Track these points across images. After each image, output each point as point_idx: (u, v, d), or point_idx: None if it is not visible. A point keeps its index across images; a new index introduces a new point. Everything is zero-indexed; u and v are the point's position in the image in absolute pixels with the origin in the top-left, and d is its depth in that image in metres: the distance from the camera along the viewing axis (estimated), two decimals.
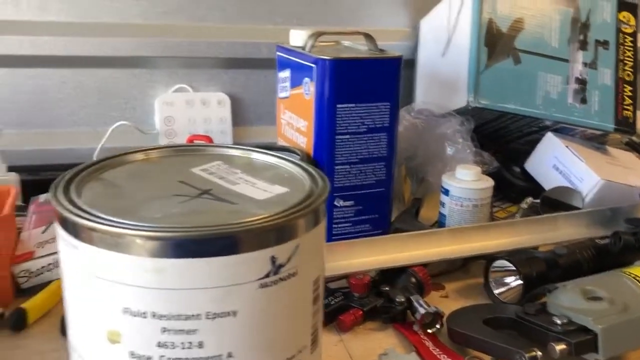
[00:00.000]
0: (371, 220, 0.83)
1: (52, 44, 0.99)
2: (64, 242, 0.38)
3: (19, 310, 0.64)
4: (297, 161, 0.49)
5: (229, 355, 0.38)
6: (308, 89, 0.80)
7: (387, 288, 0.69)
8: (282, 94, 0.90)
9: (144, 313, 0.36)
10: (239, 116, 1.12)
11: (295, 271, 0.39)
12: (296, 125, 0.85)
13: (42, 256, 0.70)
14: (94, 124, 1.05)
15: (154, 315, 0.36)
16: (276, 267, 0.38)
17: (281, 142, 0.90)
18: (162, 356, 0.37)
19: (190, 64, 1.07)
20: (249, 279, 0.37)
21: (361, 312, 0.67)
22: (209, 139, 0.98)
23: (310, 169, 0.46)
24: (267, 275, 0.38)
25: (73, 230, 0.37)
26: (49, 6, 0.98)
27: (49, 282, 0.70)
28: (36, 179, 0.97)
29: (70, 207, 0.38)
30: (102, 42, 1.01)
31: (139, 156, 0.49)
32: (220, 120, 1.09)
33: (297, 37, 0.86)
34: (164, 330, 0.36)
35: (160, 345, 0.37)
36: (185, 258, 0.35)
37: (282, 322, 0.39)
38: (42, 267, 0.70)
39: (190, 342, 0.37)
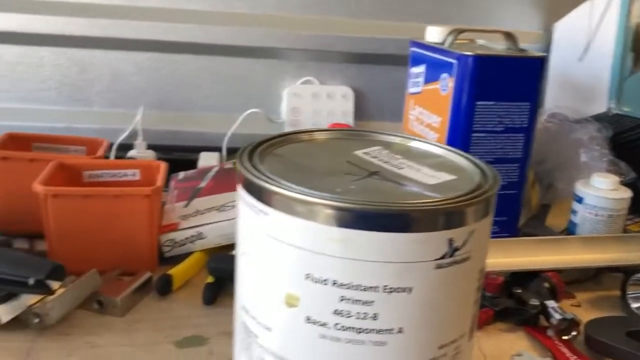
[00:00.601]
0: (499, 222, 0.81)
1: (194, 32, 1.05)
2: (249, 207, 0.41)
3: (166, 276, 0.69)
4: (458, 151, 0.49)
5: (400, 330, 0.39)
6: (446, 85, 0.79)
7: (519, 290, 0.68)
8: (413, 89, 0.90)
9: (325, 280, 0.38)
10: (362, 110, 1.13)
11: (468, 256, 0.40)
12: (427, 120, 0.85)
13: (186, 228, 0.75)
14: (224, 109, 1.10)
15: (334, 283, 0.38)
16: (452, 250, 0.38)
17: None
18: (337, 324, 0.38)
19: (318, 57, 1.10)
20: (427, 257, 0.38)
21: (492, 312, 0.66)
22: (350, 127, 1.00)
23: (477, 160, 0.46)
24: (443, 257, 0.38)
25: (262, 196, 0.40)
26: None
27: (190, 254, 0.75)
28: (169, 158, 1.03)
29: (260, 175, 0.40)
30: (239, 31, 1.06)
31: (305, 137, 0.51)
32: (343, 113, 1.11)
33: (435, 34, 0.86)
34: (342, 298, 0.38)
35: (336, 312, 0.38)
36: (372, 231, 0.36)
37: (451, 304, 0.40)
38: (186, 238, 0.75)
39: (365, 313, 0.38)
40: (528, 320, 0.66)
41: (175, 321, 0.64)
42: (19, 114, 1.05)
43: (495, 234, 0.81)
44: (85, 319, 0.63)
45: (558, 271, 0.71)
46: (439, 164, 0.47)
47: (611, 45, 0.91)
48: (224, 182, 0.85)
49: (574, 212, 0.83)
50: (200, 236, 0.75)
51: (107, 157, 0.94)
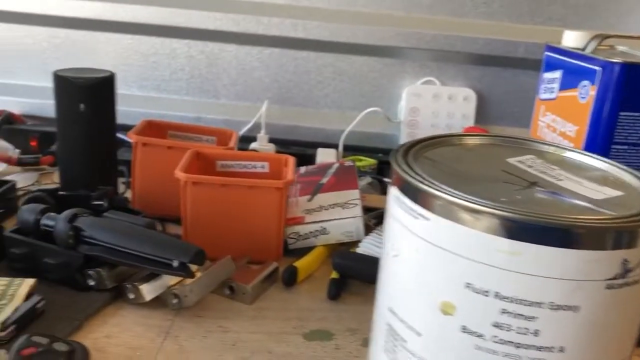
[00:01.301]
0: None
1: (320, 30, 1.06)
2: (406, 210, 0.41)
3: (292, 268, 0.70)
4: (621, 166, 0.46)
5: (561, 349, 0.37)
6: (586, 93, 0.76)
7: None
8: (545, 95, 0.87)
9: (486, 291, 0.37)
10: (483, 114, 1.11)
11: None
12: (561, 129, 0.81)
13: (310, 222, 0.76)
14: (344, 107, 1.11)
15: (496, 295, 0.37)
16: (625, 270, 0.37)
17: (554, 142, 0.87)
18: (495, 336, 0.38)
19: (441, 57, 1.08)
20: (597, 277, 0.36)
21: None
22: (486, 131, 0.98)
23: None
24: (614, 277, 0.36)
25: (421, 199, 0.39)
26: None
27: (312, 248, 0.76)
28: (287, 152, 1.05)
29: (420, 179, 0.40)
30: (363, 30, 1.07)
31: (455, 141, 0.50)
32: (463, 116, 1.09)
33: (574, 38, 0.82)
34: (503, 311, 0.37)
35: (495, 325, 0.37)
36: (542, 245, 0.35)
37: (617, 327, 0.38)
38: (310, 232, 0.76)
39: (526, 329, 0.37)
40: None
41: (301, 313, 0.65)
42: (154, 102, 1.11)
43: None
44: (217, 303, 0.66)
45: None
46: (601, 178, 0.45)
47: None
48: (345, 179, 0.86)
49: None
50: (323, 231, 0.76)
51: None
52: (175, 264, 0.59)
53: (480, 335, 0.38)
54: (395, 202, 0.43)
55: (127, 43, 1.09)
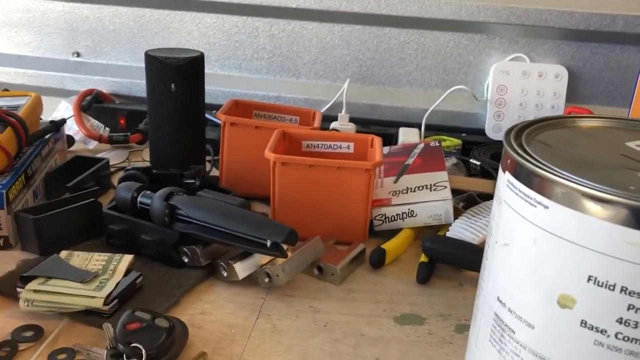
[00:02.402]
0: None
1: (404, 5, 1.03)
2: (521, 196, 0.39)
3: (381, 250, 0.69)
4: None
5: None
6: None
7: None
8: None
9: (612, 285, 0.35)
10: (573, 92, 1.05)
11: None
12: None
13: (397, 204, 0.75)
14: (426, 85, 1.08)
15: (623, 289, 0.35)
16: None
17: None
18: (619, 333, 0.35)
19: (532, 32, 1.03)
20: None
21: None
22: (589, 112, 0.94)
23: None
24: None
25: (539, 186, 0.37)
26: None
27: (398, 230, 0.75)
28: (367, 131, 1.04)
29: (536, 162, 0.38)
30: (451, 5, 1.03)
31: (568, 123, 0.48)
32: (553, 94, 1.04)
33: None
34: (630, 307, 0.35)
35: (620, 321, 0.35)
36: None
37: None
38: (397, 214, 0.75)
39: None
40: None
41: (391, 296, 0.65)
42: (236, 81, 1.12)
43: None
44: (306, 283, 0.66)
45: None
46: None
47: None
48: (431, 160, 0.84)
49: None
50: (411, 214, 0.74)
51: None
52: (268, 243, 0.60)
53: (602, 331, 0.36)
54: (508, 187, 0.41)
55: (210, 22, 1.10)
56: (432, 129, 1.05)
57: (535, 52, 1.04)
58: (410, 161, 0.85)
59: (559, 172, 0.37)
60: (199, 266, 0.65)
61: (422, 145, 0.90)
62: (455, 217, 0.75)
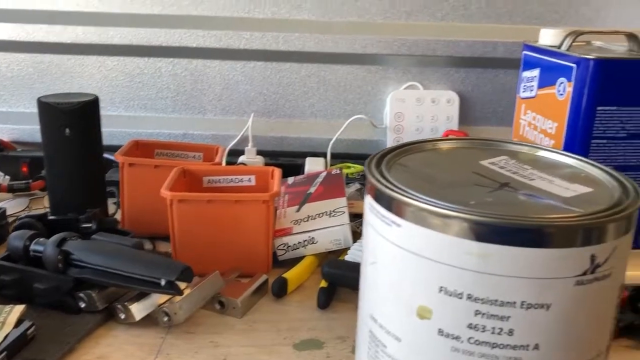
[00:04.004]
0: None
1: (302, 41, 1.08)
2: (380, 218, 0.42)
3: (282, 279, 0.71)
4: (592, 162, 0.47)
5: (536, 346, 0.38)
6: (563, 89, 0.77)
7: None
8: (525, 94, 0.87)
9: (460, 294, 0.38)
10: (466, 115, 1.12)
11: (609, 273, 0.38)
12: (541, 126, 0.82)
13: (299, 233, 0.77)
14: (329, 116, 1.12)
15: (469, 297, 0.38)
16: (594, 266, 0.37)
17: (527, 142, 0.88)
18: (471, 337, 0.38)
19: (423, 62, 1.10)
20: (567, 274, 0.37)
21: (616, 328, 0.63)
22: (465, 135, 0.99)
23: (615, 172, 0.45)
24: (584, 273, 0.37)
25: (393, 207, 0.40)
26: (303, 5, 1.06)
27: (301, 258, 0.77)
28: (276, 163, 1.06)
29: (391, 186, 0.41)
30: (344, 39, 1.08)
31: (428, 146, 0.51)
32: (447, 118, 1.10)
33: (550, 36, 0.83)
34: (477, 313, 0.38)
35: (470, 326, 0.38)
36: (511, 246, 0.36)
37: (589, 322, 0.39)
38: (299, 242, 0.77)
39: (500, 328, 0.38)
40: None
41: (292, 324, 0.66)
42: (142, 121, 1.12)
43: None
44: (207, 319, 0.66)
45: None
46: (572, 175, 0.46)
47: None
48: (333, 187, 0.87)
49: None
50: (312, 241, 0.76)
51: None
52: (162, 282, 0.60)
53: (456, 338, 0.39)
54: (370, 210, 0.44)
55: (112, 65, 1.10)
56: (338, 157, 1.09)
57: (427, 79, 1.11)
58: (312, 190, 0.88)
59: (407, 193, 0.40)
60: (96, 310, 0.64)
61: (324, 174, 0.93)
62: (355, 241, 0.78)
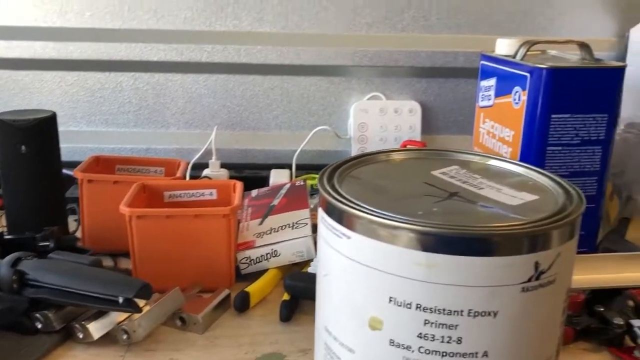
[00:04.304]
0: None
1: (265, 53, 1.08)
2: (331, 230, 0.42)
3: (244, 293, 0.71)
4: (539, 170, 0.48)
5: (485, 354, 0.38)
6: (518, 98, 0.78)
7: (601, 309, 0.66)
8: (483, 103, 0.89)
9: (409, 304, 0.38)
10: (428, 124, 1.13)
11: (554, 279, 0.39)
12: (499, 134, 0.84)
13: (261, 246, 0.77)
14: (294, 127, 1.13)
15: (418, 307, 0.38)
16: (538, 273, 0.38)
17: (478, 151, 0.90)
18: (421, 347, 0.39)
19: (385, 72, 1.11)
20: (513, 281, 0.37)
21: (573, 331, 0.64)
22: (423, 145, 1.01)
23: (560, 179, 0.46)
24: (529, 280, 0.38)
25: (343, 219, 0.41)
26: (264, 17, 1.07)
27: (265, 271, 0.77)
28: (241, 176, 1.06)
29: (341, 199, 0.41)
30: (307, 51, 1.08)
31: (382, 157, 0.52)
32: (410, 128, 1.11)
33: (506, 46, 0.85)
34: (426, 322, 0.38)
35: (420, 336, 0.38)
36: (457, 255, 0.37)
37: (537, 328, 0.39)
38: (261, 255, 0.76)
39: (449, 337, 0.38)
40: (613, 340, 0.63)
41: (254, 338, 0.66)
42: (104, 136, 1.11)
43: None
44: (168, 335, 0.66)
45: None
46: (520, 184, 0.47)
47: None
48: (296, 199, 0.87)
49: None
50: (275, 254, 0.76)
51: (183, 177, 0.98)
52: (120, 300, 0.59)
53: (407, 347, 0.39)
54: (322, 222, 0.44)
55: (72, 80, 1.09)
56: (303, 169, 1.09)
57: (390, 90, 1.12)
58: (276, 202, 0.88)
59: (357, 206, 0.40)
60: (54, 331, 0.63)
61: (288, 186, 0.93)
62: None
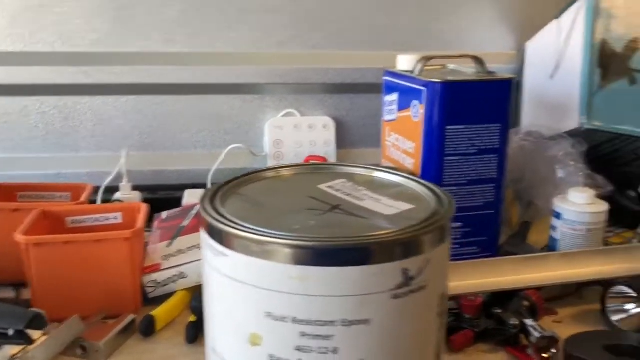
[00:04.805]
0: (479, 242, 0.82)
1: (176, 73, 1.07)
2: (212, 250, 0.42)
3: (149, 317, 0.69)
4: (419, 180, 0.50)
5: None
6: (417, 112, 0.81)
7: (498, 310, 0.68)
8: (388, 117, 0.92)
9: (285, 318, 0.39)
10: (343, 139, 1.15)
11: (425, 284, 0.41)
12: (403, 147, 0.86)
13: (168, 268, 0.76)
14: (209, 146, 1.12)
15: (294, 320, 0.39)
16: (408, 279, 0.39)
17: (386, 164, 0.92)
18: (299, 359, 0.39)
19: (298, 89, 1.12)
20: (383, 289, 0.39)
21: (472, 334, 0.67)
22: (324, 160, 1.02)
23: (434, 187, 0.48)
24: (399, 287, 0.39)
25: (222, 239, 0.41)
26: (175, 38, 1.07)
27: (173, 293, 0.76)
28: (155, 198, 1.05)
29: (219, 218, 0.41)
30: (219, 70, 1.09)
31: (271, 174, 0.53)
32: (325, 143, 1.13)
33: (405, 62, 0.88)
34: (303, 334, 0.39)
35: (298, 349, 0.39)
36: (328, 266, 0.38)
37: (412, 333, 0.41)
38: (168, 278, 0.76)
39: (326, 348, 0.39)
40: (509, 340, 0.66)
41: None
42: (9, 163, 1.07)
43: (475, 254, 0.82)
44: None
45: (538, 289, 0.71)
46: (399, 194, 0.48)
47: (579, 62, 0.93)
48: None
49: (553, 228, 0.84)
50: (182, 275, 0.76)
51: (93, 201, 0.95)
52: (10, 332, 0.57)
53: None
54: (204, 243, 0.44)
55: None
56: None
57: (304, 106, 1.14)
58: (186, 223, 0.87)
59: (232, 224, 0.40)
60: None
61: (198, 206, 0.92)
62: None
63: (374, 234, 0.40)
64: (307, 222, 0.42)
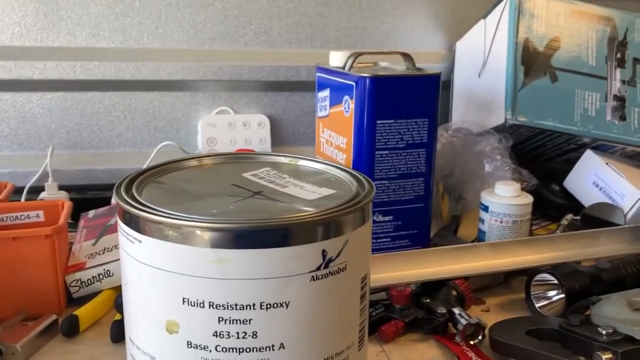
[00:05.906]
0: (410, 235, 0.83)
1: (104, 69, 1.04)
2: (126, 237, 0.41)
3: (71, 317, 0.67)
4: (342, 166, 0.50)
5: (281, 346, 0.39)
6: (348, 107, 0.82)
7: (427, 300, 0.69)
8: (321, 113, 0.92)
9: (201, 303, 0.38)
10: (278, 137, 1.15)
11: (344, 266, 0.41)
12: (335, 142, 0.87)
13: (93, 266, 0.73)
14: (140, 145, 1.09)
15: (211, 305, 0.38)
16: (326, 261, 0.39)
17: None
18: (218, 345, 0.38)
19: (232, 87, 1.11)
20: (301, 270, 0.38)
21: (402, 323, 0.67)
22: (252, 151, 1.01)
23: (356, 172, 0.48)
24: (318, 268, 0.39)
25: (136, 225, 0.40)
26: (100, 33, 1.03)
27: (99, 292, 0.73)
28: (84, 198, 1.01)
29: (134, 203, 0.40)
30: (149, 66, 1.06)
31: (193, 163, 0.51)
32: (260, 141, 1.12)
33: (337, 58, 0.88)
34: (220, 319, 0.38)
35: (216, 334, 0.38)
36: (244, 249, 0.37)
37: (332, 315, 0.41)
38: (93, 277, 0.73)
39: (244, 332, 0.38)
40: (437, 328, 0.67)
41: None
42: None
43: (407, 247, 0.83)
44: None
45: (465, 278, 0.73)
46: (323, 180, 0.48)
47: (504, 60, 0.96)
48: None
49: (481, 220, 0.86)
50: (107, 274, 0.73)
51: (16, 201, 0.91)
52: None
53: (204, 348, 0.39)
54: (119, 230, 0.42)
55: None
56: None
57: (238, 104, 1.12)
58: (113, 221, 0.84)
59: (146, 209, 0.39)
60: None
61: None
62: None
63: (291, 215, 0.39)
64: (226, 207, 0.42)
